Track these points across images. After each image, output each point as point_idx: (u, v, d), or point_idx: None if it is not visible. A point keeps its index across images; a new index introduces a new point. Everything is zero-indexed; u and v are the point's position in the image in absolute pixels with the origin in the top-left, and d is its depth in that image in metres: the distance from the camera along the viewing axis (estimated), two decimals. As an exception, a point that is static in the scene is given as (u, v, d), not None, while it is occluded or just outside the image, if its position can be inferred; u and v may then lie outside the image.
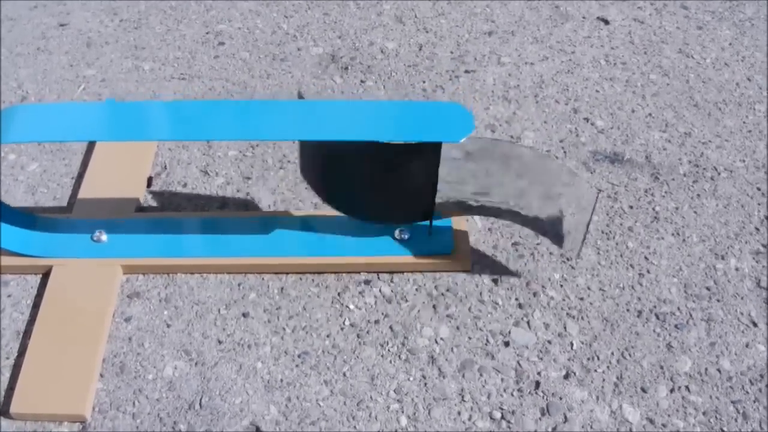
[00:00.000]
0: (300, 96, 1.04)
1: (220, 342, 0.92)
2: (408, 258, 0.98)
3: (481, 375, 0.88)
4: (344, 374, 0.89)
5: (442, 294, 0.96)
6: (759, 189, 1.10)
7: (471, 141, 0.86)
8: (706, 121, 1.21)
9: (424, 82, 1.29)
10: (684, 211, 1.07)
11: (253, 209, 1.08)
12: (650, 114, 1.22)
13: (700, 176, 1.12)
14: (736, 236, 1.03)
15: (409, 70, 1.31)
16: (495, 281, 0.98)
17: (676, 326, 0.93)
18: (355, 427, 0.84)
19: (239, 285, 0.98)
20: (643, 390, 0.87)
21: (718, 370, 0.89)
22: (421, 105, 0.92)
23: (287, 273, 0.99)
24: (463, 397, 0.86)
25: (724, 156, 1.15)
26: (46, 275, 0.97)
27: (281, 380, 0.88)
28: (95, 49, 1.38)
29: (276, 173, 1.13)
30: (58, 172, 1.14)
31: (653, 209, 1.07)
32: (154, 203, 1.09)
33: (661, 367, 0.89)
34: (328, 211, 1.01)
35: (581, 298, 0.96)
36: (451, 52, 1.35)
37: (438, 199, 0.95)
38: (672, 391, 0.87)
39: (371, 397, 0.86)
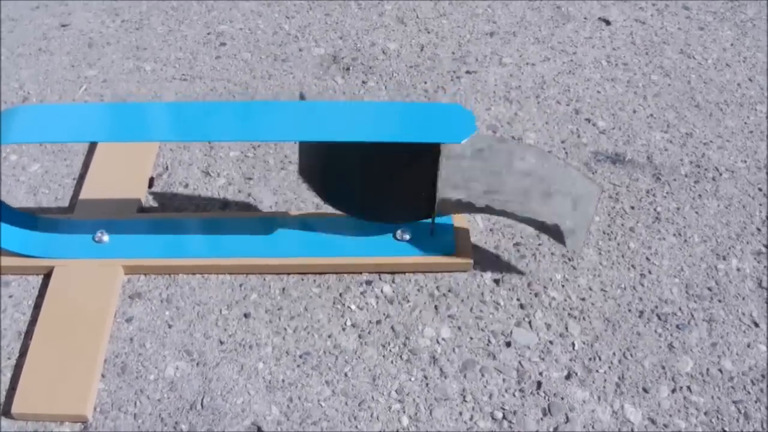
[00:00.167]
0: (302, 97, 1.04)
1: (221, 342, 0.92)
2: (409, 258, 0.98)
3: (482, 375, 0.88)
4: (346, 374, 0.89)
5: (444, 294, 0.96)
6: (760, 189, 1.10)
7: (477, 139, 0.86)
8: (707, 122, 1.21)
9: (425, 82, 1.29)
10: (685, 212, 1.07)
11: (255, 210, 1.08)
12: (652, 114, 1.22)
13: (701, 177, 1.12)
14: (738, 237, 1.03)
15: (410, 70, 1.31)
16: (497, 281, 0.98)
17: (677, 326, 0.93)
18: (356, 427, 0.84)
19: (241, 285, 0.98)
20: (645, 390, 0.87)
21: (720, 371, 0.89)
22: (423, 106, 0.92)
23: (289, 273, 0.99)
24: (464, 397, 0.86)
25: (726, 156, 1.15)
26: (47, 276, 0.97)
27: (283, 380, 0.88)
28: (97, 49, 1.38)
29: (277, 174, 1.13)
30: (60, 172, 1.14)
31: (655, 210, 1.07)
32: (155, 204, 1.09)
33: (663, 368, 0.89)
34: (330, 211, 1.01)
35: (583, 299, 0.96)
36: (453, 53, 1.35)
37: (447, 198, 0.94)
38: (673, 391, 0.87)
39: (373, 398, 0.86)
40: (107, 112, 0.90)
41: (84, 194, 1.07)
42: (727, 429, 0.83)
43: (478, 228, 1.04)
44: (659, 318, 0.94)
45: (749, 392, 0.87)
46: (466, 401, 0.86)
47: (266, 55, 1.35)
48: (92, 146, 1.16)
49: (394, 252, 0.98)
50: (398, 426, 0.84)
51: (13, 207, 1.02)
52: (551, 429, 0.84)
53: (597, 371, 0.89)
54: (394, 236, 1.00)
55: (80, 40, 1.40)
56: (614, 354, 0.90)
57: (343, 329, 0.93)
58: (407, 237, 0.99)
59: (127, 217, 1.04)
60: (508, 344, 0.91)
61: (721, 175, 1.12)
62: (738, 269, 0.99)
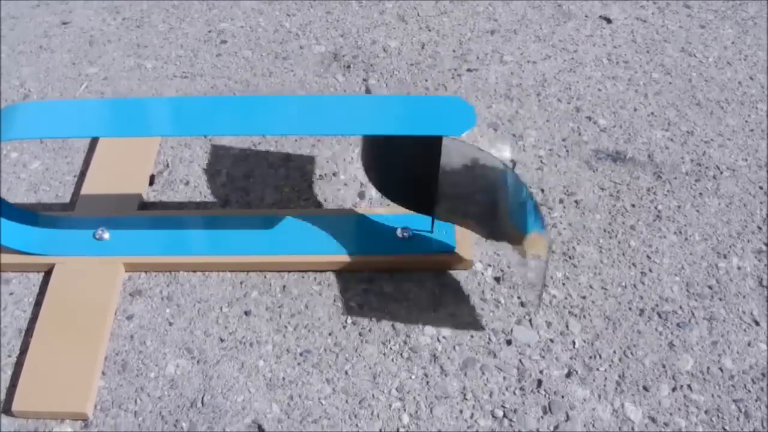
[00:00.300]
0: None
1: (222, 340, 0.92)
2: (410, 256, 0.98)
3: (483, 373, 0.88)
4: (346, 372, 0.89)
5: (445, 292, 0.96)
6: (761, 188, 1.10)
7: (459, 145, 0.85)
8: (708, 120, 1.21)
9: (426, 80, 1.29)
10: (686, 210, 1.07)
11: (256, 207, 1.08)
12: (652, 113, 1.22)
13: (702, 175, 1.12)
14: (739, 235, 1.03)
15: (411, 68, 1.31)
16: (497, 279, 0.98)
17: (678, 325, 0.93)
18: (357, 425, 0.84)
19: (241, 283, 0.98)
20: (645, 388, 0.87)
21: (720, 369, 0.89)
22: (423, 99, 0.92)
23: (289, 271, 0.99)
24: (465, 395, 0.86)
25: (727, 155, 1.15)
26: (48, 273, 0.97)
27: (283, 378, 0.88)
28: (97, 47, 1.38)
29: (278, 171, 1.13)
30: (61, 169, 1.14)
31: (655, 208, 1.07)
32: (156, 201, 1.09)
33: (663, 366, 0.89)
34: (330, 209, 1.01)
35: (583, 297, 0.96)
36: (454, 51, 1.35)
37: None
38: (674, 389, 0.87)
39: (373, 396, 0.86)
40: (108, 108, 0.90)
41: (85, 191, 1.07)
42: (727, 427, 0.83)
43: (478, 226, 1.04)
44: (660, 316, 0.94)
45: (750, 391, 0.87)
46: (466, 399, 0.86)
47: (267, 52, 1.35)
48: (93, 143, 1.16)
49: (395, 250, 0.98)
50: (399, 424, 0.84)
51: (14, 204, 1.02)
52: (552, 427, 0.84)
53: (597, 369, 0.89)
54: (395, 234, 1.00)
55: (81, 38, 1.40)
56: (615, 352, 0.90)
57: (344, 327, 0.93)
58: (408, 235, 0.99)
59: (127, 214, 1.04)
60: (509, 342, 0.91)
61: (721, 173, 1.12)
62: (739, 267, 0.99)
